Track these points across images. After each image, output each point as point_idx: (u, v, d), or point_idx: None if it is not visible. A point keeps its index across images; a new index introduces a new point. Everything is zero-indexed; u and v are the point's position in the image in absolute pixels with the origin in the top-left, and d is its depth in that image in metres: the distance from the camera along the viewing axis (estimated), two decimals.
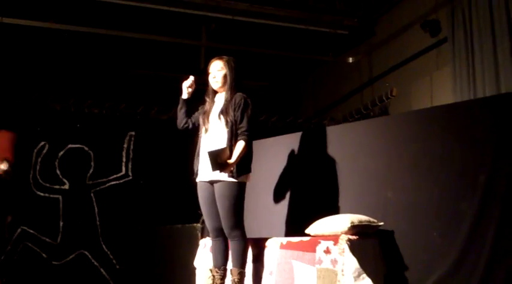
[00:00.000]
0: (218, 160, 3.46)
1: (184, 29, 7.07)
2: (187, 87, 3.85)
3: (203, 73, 3.92)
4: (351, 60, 7.40)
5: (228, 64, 3.76)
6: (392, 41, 6.69)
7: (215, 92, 3.83)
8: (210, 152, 3.46)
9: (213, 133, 3.70)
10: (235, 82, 3.73)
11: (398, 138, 4.06)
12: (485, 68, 4.95)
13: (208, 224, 3.76)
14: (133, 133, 6.47)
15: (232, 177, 3.56)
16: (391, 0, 6.66)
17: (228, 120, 3.62)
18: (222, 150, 3.50)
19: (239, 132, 3.61)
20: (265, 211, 4.54)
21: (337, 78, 7.95)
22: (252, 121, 3.66)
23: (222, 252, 3.73)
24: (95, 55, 7.33)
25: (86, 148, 6.27)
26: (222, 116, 3.66)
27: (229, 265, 3.73)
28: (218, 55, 3.88)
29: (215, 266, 3.74)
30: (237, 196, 3.59)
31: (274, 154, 4.71)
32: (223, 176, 3.56)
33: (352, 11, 6.87)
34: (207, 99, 3.84)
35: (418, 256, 3.66)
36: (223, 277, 3.70)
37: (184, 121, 3.87)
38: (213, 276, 3.70)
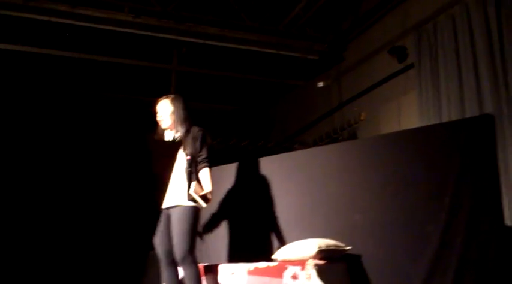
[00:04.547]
0: (199, 195, 3.53)
1: (156, 53, 7.06)
2: None
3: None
4: (321, 84, 7.46)
5: (173, 102, 3.83)
6: (361, 66, 6.78)
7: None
8: (189, 194, 3.52)
9: (178, 165, 3.79)
10: (184, 117, 3.79)
11: (366, 161, 4.10)
12: (451, 93, 5.04)
13: (160, 249, 3.69)
14: None
15: (188, 201, 3.58)
16: (360, 27, 6.77)
17: (188, 152, 3.69)
18: (193, 185, 3.54)
19: (199, 159, 3.70)
20: (229, 237, 4.46)
21: (308, 102, 8.01)
22: (210, 150, 3.76)
23: (174, 281, 3.69)
24: (67, 79, 7.26)
25: None
26: (182, 149, 3.75)
27: None
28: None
29: None
30: (192, 220, 3.58)
31: (239, 180, 4.61)
32: (180, 201, 3.59)
33: (322, 36, 6.96)
34: None
35: (385, 279, 3.67)
36: None
37: None
38: None
